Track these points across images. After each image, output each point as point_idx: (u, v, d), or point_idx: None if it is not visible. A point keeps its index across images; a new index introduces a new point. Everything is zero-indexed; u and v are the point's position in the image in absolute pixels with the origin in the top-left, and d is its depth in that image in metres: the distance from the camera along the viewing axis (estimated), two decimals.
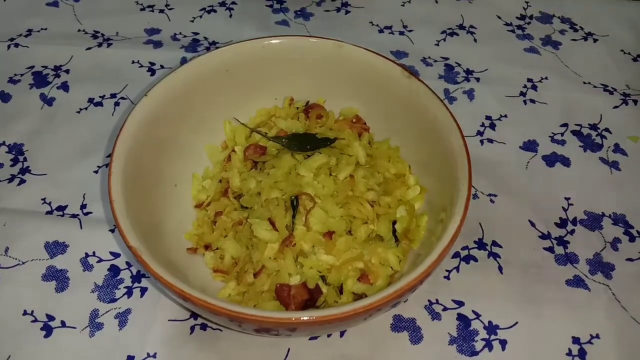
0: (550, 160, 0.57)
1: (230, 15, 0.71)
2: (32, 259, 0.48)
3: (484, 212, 0.53)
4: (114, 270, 0.48)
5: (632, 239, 0.52)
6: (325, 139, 0.51)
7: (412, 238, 0.46)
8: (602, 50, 0.69)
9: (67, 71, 0.63)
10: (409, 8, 0.73)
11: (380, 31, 0.70)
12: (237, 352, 0.44)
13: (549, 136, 0.60)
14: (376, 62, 0.50)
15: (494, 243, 0.51)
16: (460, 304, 0.47)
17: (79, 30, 0.68)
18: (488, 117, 0.61)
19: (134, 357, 0.43)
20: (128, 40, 0.67)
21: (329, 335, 0.45)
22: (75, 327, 0.45)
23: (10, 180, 0.54)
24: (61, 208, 0.52)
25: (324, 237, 0.45)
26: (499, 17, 0.73)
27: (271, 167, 0.49)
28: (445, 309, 0.47)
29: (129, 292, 0.47)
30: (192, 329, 0.45)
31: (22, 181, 0.54)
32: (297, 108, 0.54)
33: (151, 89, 0.47)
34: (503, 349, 0.45)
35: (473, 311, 0.47)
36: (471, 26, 0.71)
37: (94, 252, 0.49)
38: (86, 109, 0.60)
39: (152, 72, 0.64)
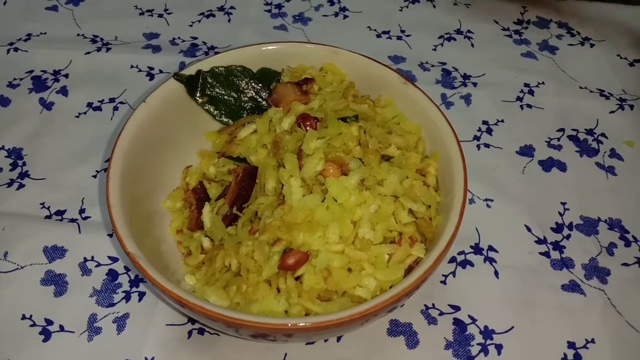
0: (547, 165, 0.58)
1: (229, 20, 0.72)
2: (31, 264, 0.49)
3: (481, 217, 0.53)
4: (112, 274, 0.48)
5: (627, 244, 0.52)
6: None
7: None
8: (599, 56, 0.69)
9: (66, 75, 0.64)
10: (406, 13, 0.74)
11: (378, 36, 0.71)
12: (235, 356, 0.44)
13: (546, 141, 0.60)
14: (372, 68, 0.50)
15: (490, 248, 0.51)
16: (457, 308, 0.47)
17: (78, 35, 0.68)
18: (485, 122, 0.61)
19: None
20: (127, 44, 0.67)
21: (325, 340, 0.45)
22: (73, 332, 0.45)
23: (9, 184, 0.54)
24: (60, 212, 0.52)
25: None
26: (496, 22, 0.73)
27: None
28: (441, 313, 0.47)
29: (127, 297, 0.47)
30: (190, 333, 0.45)
31: (21, 185, 0.54)
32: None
33: (150, 93, 0.48)
34: (499, 353, 0.45)
35: (469, 316, 0.47)
36: (468, 31, 0.72)
37: (92, 257, 0.49)
38: (85, 113, 0.60)
39: (150, 76, 0.64)
